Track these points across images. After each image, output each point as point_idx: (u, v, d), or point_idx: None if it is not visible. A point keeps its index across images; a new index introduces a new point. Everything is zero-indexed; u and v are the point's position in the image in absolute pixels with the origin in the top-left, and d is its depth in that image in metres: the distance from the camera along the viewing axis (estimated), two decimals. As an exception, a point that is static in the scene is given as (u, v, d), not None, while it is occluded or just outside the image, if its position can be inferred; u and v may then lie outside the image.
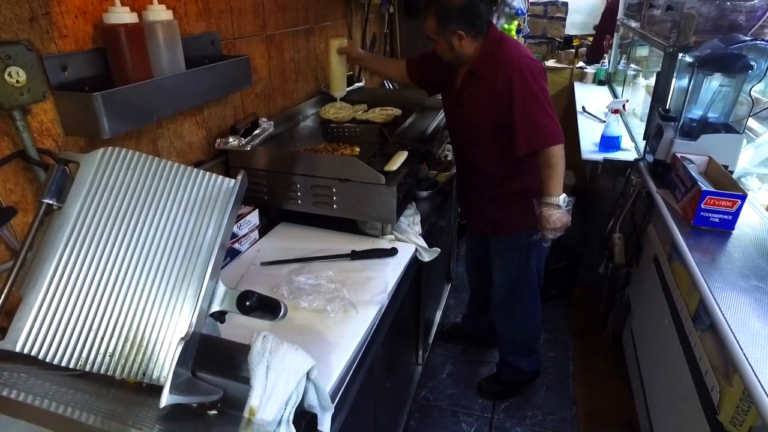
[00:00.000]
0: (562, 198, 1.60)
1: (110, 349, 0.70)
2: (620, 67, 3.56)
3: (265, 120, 1.68)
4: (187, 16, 1.40)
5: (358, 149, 1.65)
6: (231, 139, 1.50)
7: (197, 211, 0.77)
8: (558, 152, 1.57)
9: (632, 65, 3.27)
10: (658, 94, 1.99)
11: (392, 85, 2.84)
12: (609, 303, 2.40)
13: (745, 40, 1.68)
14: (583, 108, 2.96)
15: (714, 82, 1.76)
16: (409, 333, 1.99)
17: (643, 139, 2.12)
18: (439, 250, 1.59)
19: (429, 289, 2.07)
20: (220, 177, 0.80)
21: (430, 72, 1.84)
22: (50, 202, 0.74)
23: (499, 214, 1.82)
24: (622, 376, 2.21)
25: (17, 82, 0.91)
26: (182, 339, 0.65)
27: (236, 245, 1.44)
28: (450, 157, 2.15)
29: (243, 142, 1.51)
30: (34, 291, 0.68)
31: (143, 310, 0.72)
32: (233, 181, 0.79)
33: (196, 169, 0.79)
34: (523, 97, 1.53)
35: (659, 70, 2.03)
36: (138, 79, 1.12)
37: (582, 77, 3.80)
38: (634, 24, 2.83)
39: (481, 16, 1.62)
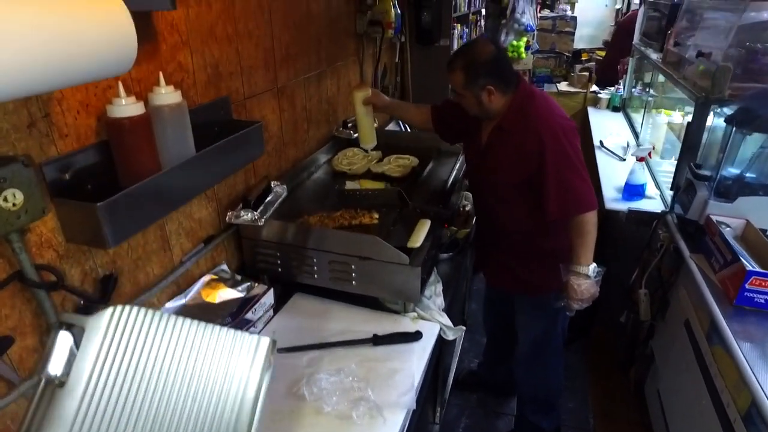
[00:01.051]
0: (591, 268, 1.51)
1: None
2: (635, 92, 3.45)
3: (278, 183, 1.58)
4: (196, 86, 1.30)
5: (377, 215, 1.56)
6: (243, 213, 1.40)
7: (222, 379, 0.67)
8: (591, 219, 1.48)
9: (650, 90, 3.16)
10: (688, 146, 1.89)
11: (405, 126, 2.74)
12: (630, 354, 2.31)
13: (787, 99, 1.58)
14: (601, 143, 2.86)
15: (752, 140, 1.66)
16: (427, 389, 1.89)
17: (671, 189, 2.03)
18: (464, 328, 1.50)
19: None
20: (245, 335, 0.71)
21: (454, 121, 1.74)
22: (52, 376, 0.65)
23: (528, 273, 1.72)
24: (644, 428, 2.13)
25: (14, 205, 0.81)
26: None
27: (251, 329, 1.35)
28: (469, 207, 2.05)
29: (256, 216, 1.41)
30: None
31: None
32: (262, 339, 0.70)
33: (216, 327, 0.70)
34: (555, 159, 1.44)
35: (689, 118, 1.93)
36: (144, 172, 1.02)
37: (596, 102, 3.69)
38: (654, 56, 2.73)
39: (510, 68, 1.53)
